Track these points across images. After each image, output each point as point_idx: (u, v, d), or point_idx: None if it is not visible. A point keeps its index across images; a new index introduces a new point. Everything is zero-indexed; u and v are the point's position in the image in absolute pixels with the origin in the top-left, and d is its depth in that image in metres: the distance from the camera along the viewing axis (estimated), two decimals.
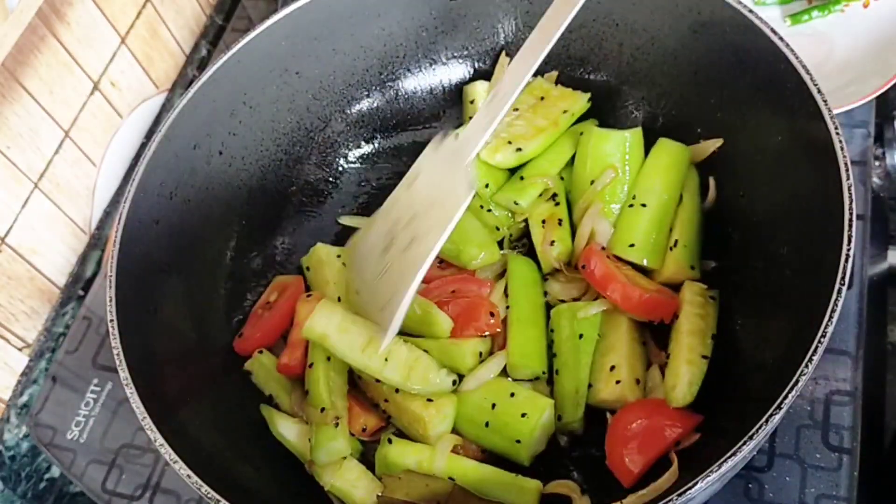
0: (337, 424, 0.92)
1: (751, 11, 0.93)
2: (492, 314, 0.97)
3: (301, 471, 0.97)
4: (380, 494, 0.91)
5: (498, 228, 1.07)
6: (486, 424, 0.92)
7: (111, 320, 0.88)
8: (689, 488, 0.72)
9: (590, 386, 0.94)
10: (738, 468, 0.81)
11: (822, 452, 0.95)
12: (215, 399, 0.99)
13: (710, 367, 0.92)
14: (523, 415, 0.91)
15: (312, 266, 1.08)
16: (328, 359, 0.97)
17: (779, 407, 0.72)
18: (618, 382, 0.92)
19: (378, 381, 0.95)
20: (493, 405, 0.92)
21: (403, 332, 0.96)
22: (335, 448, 0.92)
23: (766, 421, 0.72)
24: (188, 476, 0.79)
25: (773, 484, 0.94)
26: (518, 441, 0.90)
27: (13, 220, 1.18)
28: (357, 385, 1.00)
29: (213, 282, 1.08)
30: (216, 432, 0.94)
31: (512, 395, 0.93)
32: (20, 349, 1.24)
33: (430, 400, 0.93)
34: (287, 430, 0.98)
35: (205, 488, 0.79)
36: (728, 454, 0.72)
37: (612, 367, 0.93)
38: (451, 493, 0.90)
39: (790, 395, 0.73)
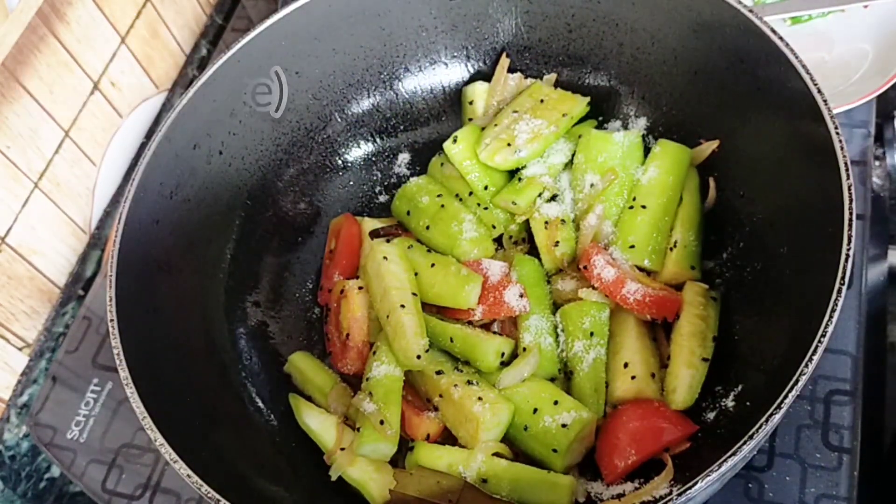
0: (382, 423, 0.92)
1: (751, 11, 0.93)
2: (521, 294, 0.97)
3: (304, 469, 0.97)
4: (392, 489, 0.92)
5: (494, 227, 1.07)
6: (526, 428, 0.92)
7: (111, 320, 0.88)
8: (689, 488, 0.72)
9: (606, 386, 0.94)
10: (738, 468, 0.81)
11: (822, 452, 0.95)
12: (216, 398, 0.99)
13: (710, 367, 0.92)
14: (564, 425, 0.90)
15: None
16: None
17: (779, 407, 0.72)
18: (633, 378, 0.92)
19: (438, 373, 0.95)
20: (535, 410, 0.92)
21: (428, 304, 0.99)
22: (382, 450, 0.93)
23: (766, 421, 0.72)
24: (188, 476, 0.79)
25: (773, 484, 0.94)
26: (555, 450, 0.90)
27: (13, 220, 1.18)
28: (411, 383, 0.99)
29: (213, 282, 1.08)
30: (217, 431, 0.94)
31: (556, 402, 0.91)
32: (20, 349, 1.24)
33: (481, 398, 0.92)
34: (312, 420, 0.99)
35: (205, 488, 0.79)
36: (728, 454, 0.72)
37: (626, 364, 0.93)
38: (462, 491, 0.90)
39: (790, 395, 0.73)
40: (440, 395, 0.95)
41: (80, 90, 1.27)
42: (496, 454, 0.91)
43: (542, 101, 1.10)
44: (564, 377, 0.97)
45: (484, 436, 0.91)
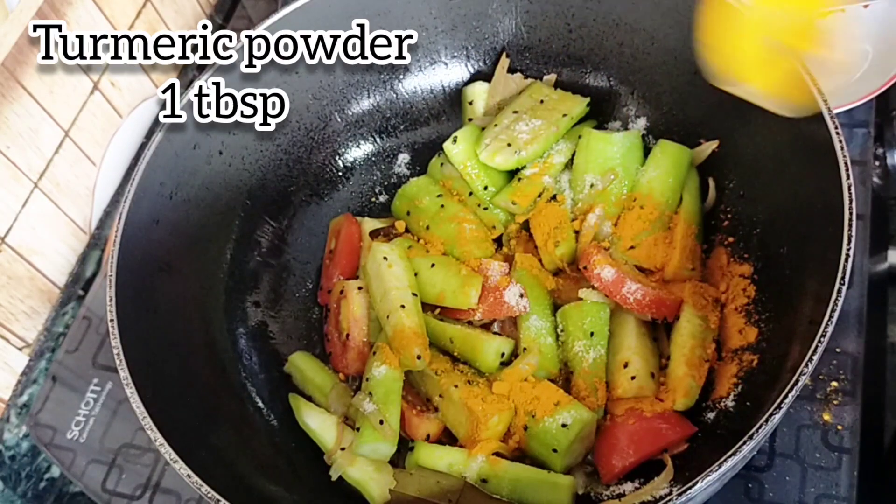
0: (382, 423, 0.92)
1: None
2: (521, 294, 0.97)
3: (304, 469, 0.97)
4: (392, 489, 0.92)
5: (494, 227, 1.07)
6: (526, 428, 0.92)
7: (111, 320, 0.88)
8: (689, 488, 0.72)
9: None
10: (738, 468, 0.81)
11: (822, 452, 0.95)
12: (216, 398, 0.99)
13: (709, 367, 0.92)
14: (564, 425, 0.90)
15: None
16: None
17: (779, 407, 0.72)
18: (633, 378, 0.92)
19: (436, 373, 0.95)
20: (535, 410, 0.92)
21: (428, 304, 0.99)
22: (382, 450, 0.92)
23: (766, 421, 0.72)
24: (188, 476, 0.79)
25: (773, 484, 0.94)
26: (555, 450, 0.89)
27: (13, 220, 1.18)
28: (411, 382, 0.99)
29: (213, 282, 1.08)
30: (217, 431, 0.94)
31: (556, 403, 0.91)
32: (20, 349, 1.24)
33: (481, 399, 0.92)
34: (312, 420, 0.99)
35: (205, 488, 0.79)
36: (728, 454, 0.72)
37: (626, 364, 0.93)
38: (462, 491, 0.90)
39: (790, 395, 0.73)
40: (440, 395, 0.95)
41: (80, 90, 1.27)
42: (496, 454, 0.91)
43: (542, 101, 1.10)
44: (564, 377, 0.97)
45: (484, 436, 0.91)
